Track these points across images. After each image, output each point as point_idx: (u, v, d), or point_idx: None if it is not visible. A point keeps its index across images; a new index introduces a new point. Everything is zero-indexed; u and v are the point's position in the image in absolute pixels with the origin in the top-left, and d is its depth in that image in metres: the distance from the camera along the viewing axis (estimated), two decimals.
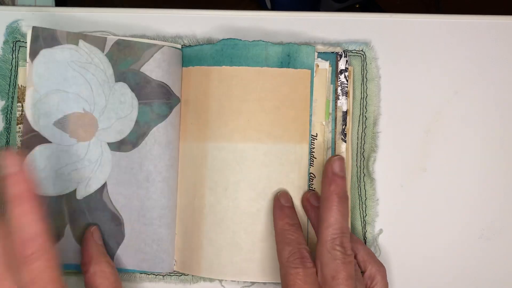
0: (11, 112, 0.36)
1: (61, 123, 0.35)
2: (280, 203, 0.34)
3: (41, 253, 0.27)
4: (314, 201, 0.35)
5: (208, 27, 0.38)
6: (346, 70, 0.36)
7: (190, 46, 0.37)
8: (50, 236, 0.27)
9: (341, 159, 0.33)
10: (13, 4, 0.82)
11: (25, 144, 0.34)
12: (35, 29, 0.34)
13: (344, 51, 0.36)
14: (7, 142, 0.36)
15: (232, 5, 1.08)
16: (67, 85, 0.35)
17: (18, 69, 0.37)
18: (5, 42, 0.36)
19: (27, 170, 0.27)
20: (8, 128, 0.36)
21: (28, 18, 0.37)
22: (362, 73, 0.37)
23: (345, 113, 0.36)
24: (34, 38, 0.34)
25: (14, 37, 0.36)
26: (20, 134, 0.35)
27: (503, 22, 0.38)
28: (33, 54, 0.34)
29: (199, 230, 0.35)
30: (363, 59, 0.37)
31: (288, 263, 0.31)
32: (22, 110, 0.35)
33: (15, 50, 0.37)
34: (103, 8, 0.37)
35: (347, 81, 0.36)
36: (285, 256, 0.31)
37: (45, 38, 0.34)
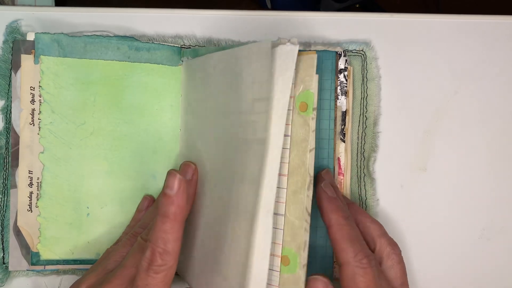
0: (11, 112, 0.36)
1: None
2: (328, 195, 0.31)
3: (166, 269, 0.28)
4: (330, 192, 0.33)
5: (208, 27, 0.38)
6: (345, 69, 0.36)
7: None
8: (177, 259, 0.29)
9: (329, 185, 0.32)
10: (13, 4, 0.82)
11: (14, 155, 0.35)
12: (16, 42, 0.35)
13: (343, 51, 0.36)
14: (7, 142, 0.36)
15: (232, 5, 1.08)
16: None
17: None
18: (5, 42, 0.36)
19: (183, 196, 0.28)
20: (8, 128, 0.36)
21: (28, 18, 0.37)
22: (363, 73, 0.37)
23: (344, 113, 0.36)
24: (15, 51, 0.35)
25: (14, 37, 0.36)
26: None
27: (503, 22, 0.38)
28: (16, 67, 0.35)
29: None
30: (363, 59, 0.37)
31: (356, 263, 0.29)
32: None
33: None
34: (103, 8, 0.37)
35: (346, 80, 0.36)
36: (351, 255, 0.29)
37: (26, 50, 0.35)
